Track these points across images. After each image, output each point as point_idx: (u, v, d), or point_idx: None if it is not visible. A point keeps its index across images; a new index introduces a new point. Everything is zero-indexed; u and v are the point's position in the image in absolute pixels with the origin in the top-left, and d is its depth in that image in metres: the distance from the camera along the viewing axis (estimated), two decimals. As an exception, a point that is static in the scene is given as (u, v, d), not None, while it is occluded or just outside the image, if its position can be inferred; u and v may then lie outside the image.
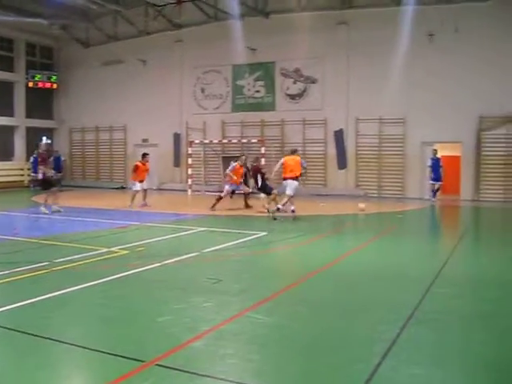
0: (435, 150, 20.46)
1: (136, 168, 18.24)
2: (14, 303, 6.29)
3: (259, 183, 16.86)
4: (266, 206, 15.39)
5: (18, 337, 5.28)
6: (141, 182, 17.98)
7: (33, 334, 5.30)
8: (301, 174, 15.33)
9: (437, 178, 20.25)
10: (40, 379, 4.41)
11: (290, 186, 14.82)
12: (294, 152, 15.76)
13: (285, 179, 15.08)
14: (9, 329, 5.48)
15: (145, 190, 18.16)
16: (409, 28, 20.97)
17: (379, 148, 22.89)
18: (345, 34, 23.03)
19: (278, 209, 14.74)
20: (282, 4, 23.90)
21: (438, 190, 20.49)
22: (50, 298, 6.63)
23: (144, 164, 18.29)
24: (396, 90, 21.62)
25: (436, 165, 20.24)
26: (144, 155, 18.59)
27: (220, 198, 16.86)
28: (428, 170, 20.47)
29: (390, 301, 6.72)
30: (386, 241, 11.87)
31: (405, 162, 22.32)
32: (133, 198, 17.68)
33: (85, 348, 5.02)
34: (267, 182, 16.87)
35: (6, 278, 7.55)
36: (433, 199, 20.29)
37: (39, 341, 5.18)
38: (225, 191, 17.04)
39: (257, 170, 17.15)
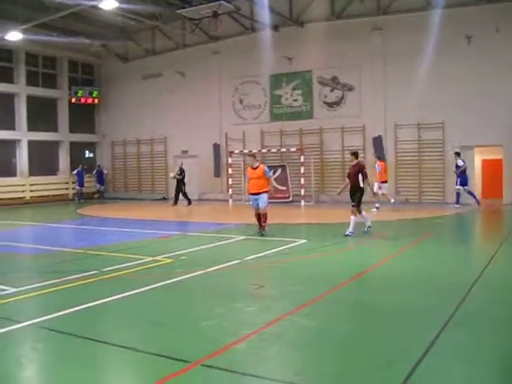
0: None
1: None
2: (66, 309, 6.59)
3: None
4: None
5: (70, 340, 5.57)
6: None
7: (84, 337, 5.58)
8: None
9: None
10: (92, 377, 4.67)
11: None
12: None
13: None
14: (62, 332, 5.78)
15: None
16: (445, 31, 20.73)
17: (419, 153, 22.71)
18: (380, 40, 22.99)
19: None
20: (316, 13, 24.02)
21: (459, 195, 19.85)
22: (99, 304, 6.93)
23: None
24: (434, 94, 21.47)
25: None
26: None
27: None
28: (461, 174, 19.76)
29: (429, 304, 6.76)
30: (425, 245, 11.86)
31: (444, 167, 22.02)
32: None
33: (133, 349, 5.27)
34: None
35: (58, 286, 7.91)
36: (456, 205, 19.57)
37: (90, 343, 5.45)
38: None
39: None
